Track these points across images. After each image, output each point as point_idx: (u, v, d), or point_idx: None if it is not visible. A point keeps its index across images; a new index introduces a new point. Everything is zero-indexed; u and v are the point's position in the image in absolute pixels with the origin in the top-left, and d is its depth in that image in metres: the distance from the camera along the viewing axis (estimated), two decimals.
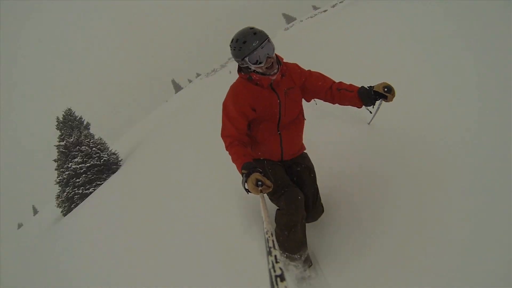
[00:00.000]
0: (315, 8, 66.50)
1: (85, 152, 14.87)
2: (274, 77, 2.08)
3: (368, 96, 2.17)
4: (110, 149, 16.40)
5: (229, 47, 2.04)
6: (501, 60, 2.95)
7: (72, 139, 15.31)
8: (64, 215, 13.82)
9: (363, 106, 2.28)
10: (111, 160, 15.40)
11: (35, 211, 54.30)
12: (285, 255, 2.19)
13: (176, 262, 2.83)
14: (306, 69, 2.41)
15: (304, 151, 2.63)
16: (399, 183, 2.38)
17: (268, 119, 2.25)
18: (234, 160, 2.07)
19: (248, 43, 1.92)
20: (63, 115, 17.45)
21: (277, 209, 2.21)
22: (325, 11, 41.60)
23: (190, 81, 76.12)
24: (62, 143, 15.29)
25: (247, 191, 1.93)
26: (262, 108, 2.18)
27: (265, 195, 2.03)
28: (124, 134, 38.69)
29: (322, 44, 7.35)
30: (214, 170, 3.84)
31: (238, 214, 2.92)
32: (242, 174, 1.95)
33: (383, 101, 2.23)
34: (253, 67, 2.01)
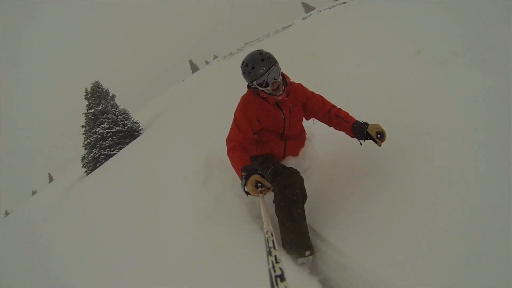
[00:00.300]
0: None
1: (111, 119, 16.90)
2: (279, 98, 2.24)
3: (360, 134, 2.26)
4: (132, 119, 18.31)
5: (240, 68, 2.21)
6: (503, 61, 2.95)
7: (100, 108, 17.28)
8: (87, 174, 15.83)
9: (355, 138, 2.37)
10: (133, 128, 17.37)
11: (51, 179, 56.39)
12: (294, 256, 2.15)
13: (175, 261, 2.73)
14: (310, 90, 2.58)
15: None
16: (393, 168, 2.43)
17: (272, 131, 2.43)
18: (233, 164, 2.14)
19: (256, 69, 2.09)
20: (92, 87, 19.28)
21: (276, 203, 2.22)
22: (344, 3, 41.72)
23: (207, 62, 76.59)
24: (91, 111, 17.28)
25: (247, 193, 1.95)
26: (267, 121, 2.34)
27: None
28: (144, 107, 39.36)
29: (332, 36, 7.53)
30: (215, 164, 3.68)
31: (238, 213, 2.86)
32: (242, 176, 1.98)
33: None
34: (260, 88, 2.18)
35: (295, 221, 2.12)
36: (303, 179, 2.26)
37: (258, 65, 2.09)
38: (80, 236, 5.20)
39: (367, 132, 2.23)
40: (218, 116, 6.27)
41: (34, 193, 52.46)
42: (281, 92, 2.21)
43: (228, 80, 10.69)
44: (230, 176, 3.16)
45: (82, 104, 18.54)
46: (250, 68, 2.12)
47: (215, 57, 76.87)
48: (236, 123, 2.32)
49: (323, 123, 2.60)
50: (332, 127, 2.52)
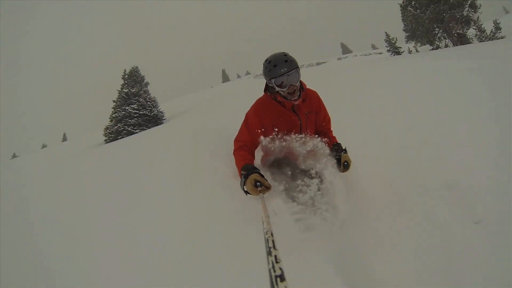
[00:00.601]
0: (373, 47, 69.28)
1: (141, 103, 18.66)
2: (296, 103, 2.26)
3: (335, 155, 2.44)
4: (159, 107, 20.05)
5: (262, 65, 2.24)
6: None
7: (134, 90, 19.16)
8: (106, 142, 17.30)
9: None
10: (158, 116, 19.10)
11: (64, 139, 57.13)
12: None
13: (174, 261, 2.66)
14: (324, 105, 2.63)
15: None
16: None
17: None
18: (236, 162, 2.18)
19: (277, 68, 2.11)
20: (131, 70, 21.22)
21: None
22: (380, 53, 43.35)
23: (239, 76, 79.42)
24: (125, 90, 19.14)
25: (246, 192, 1.95)
26: (282, 126, 2.33)
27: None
28: (171, 100, 40.19)
29: (360, 83, 7.32)
30: (219, 166, 3.58)
31: (238, 213, 2.84)
32: (241, 175, 2.00)
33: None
34: (277, 88, 2.19)
35: None
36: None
37: (280, 65, 2.13)
38: (69, 195, 5.19)
39: (339, 157, 2.41)
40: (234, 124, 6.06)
41: (44, 146, 54.13)
42: (296, 97, 2.24)
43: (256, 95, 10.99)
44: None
45: (115, 83, 20.37)
46: (273, 65, 2.15)
47: (247, 73, 79.43)
48: (246, 125, 2.34)
49: None
50: None
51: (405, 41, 19.65)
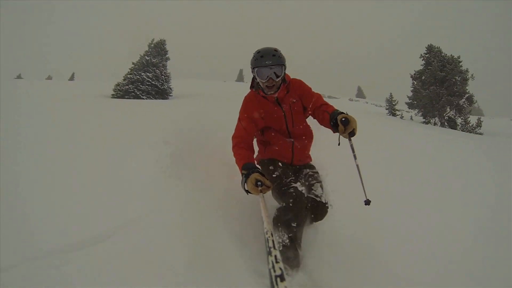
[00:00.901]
0: (387, 100, 70.06)
1: (156, 74, 20.10)
2: (276, 95, 2.33)
3: (331, 121, 2.12)
4: (170, 83, 21.46)
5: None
6: None
7: (155, 60, 20.61)
8: (113, 97, 18.29)
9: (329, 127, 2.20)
10: (167, 91, 20.55)
11: (72, 78, 57.58)
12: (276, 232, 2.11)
13: (172, 262, 2.41)
14: (309, 86, 2.54)
15: (311, 162, 2.72)
16: None
17: (277, 129, 2.47)
18: (237, 161, 2.17)
19: (263, 59, 2.18)
20: (158, 41, 22.63)
21: (277, 208, 2.19)
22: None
23: None
24: (147, 58, 20.58)
25: (247, 191, 1.94)
26: (269, 118, 2.41)
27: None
28: (183, 79, 40.57)
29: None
30: (218, 168, 3.60)
31: (238, 213, 2.84)
32: (242, 174, 1.99)
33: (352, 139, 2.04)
34: (257, 79, 2.28)
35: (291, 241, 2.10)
36: (305, 203, 2.19)
37: (266, 57, 2.17)
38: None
39: (336, 118, 2.07)
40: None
41: (49, 77, 54.23)
42: (272, 92, 2.29)
43: None
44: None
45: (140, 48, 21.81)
46: (259, 56, 2.20)
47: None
48: (240, 121, 2.37)
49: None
50: (317, 120, 2.42)
51: (407, 106, 21.38)
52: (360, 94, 73.74)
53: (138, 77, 19.55)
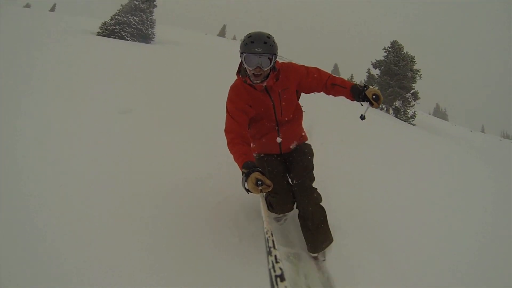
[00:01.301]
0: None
1: (143, 19, 21.19)
2: (264, 84, 2.24)
3: (359, 95, 2.31)
4: (154, 29, 22.51)
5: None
6: None
7: (143, 6, 21.56)
8: (98, 34, 19.27)
9: (355, 101, 2.39)
10: (150, 36, 21.74)
11: (53, 9, 55.24)
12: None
13: (172, 262, 2.47)
14: (301, 66, 2.49)
15: (305, 141, 2.75)
16: None
17: (265, 118, 2.42)
18: (235, 159, 2.09)
19: (253, 45, 2.04)
20: None
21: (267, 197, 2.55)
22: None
23: (234, 38, 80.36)
24: (137, 3, 21.52)
25: (247, 190, 1.90)
26: (258, 107, 2.35)
27: None
28: (166, 25, 39.61)
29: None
30: (213, 166, 3.55)
31: (238, 213, 2.86)
32: (242, 173, 1.94)
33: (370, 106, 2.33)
34: (244, 65, 2.14)
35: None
36: (291, 208, 2.49)
37: (257, 43, 2.04)
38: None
39: (364, 93, 2.27)
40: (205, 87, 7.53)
41: (27, 5, 51.75)
42: (258, 81, 2.19)
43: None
44: None
45: None
46: (250, 41, 2.06)
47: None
48: (229, 114, 2.25)
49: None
50: (331, 95, 2.50)
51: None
52: (335, 71, 75.57)
53: (125, 19, 20.49)
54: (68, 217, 2.50)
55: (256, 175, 1.85)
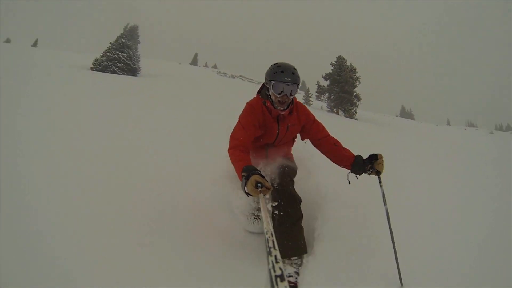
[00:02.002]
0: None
1: (130, 55, 25.60)
2: (283, 113, 2.41)
3: (360, 168, 2.40)
4: (139, 63, 26.86)
5: (269, 66, 2.39)
6: None
7: (129, 43, 26.02)
8: (91, 70, 23.19)
9: (349, 172, 2.48)
10: (136, 69, 26.08)
11: (35, 44, 55.86)
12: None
13: (172, 262, 2.52)
14: (312, 114, 2.67)
15: (291, 158, 2.87)
16: None
17: (263, 140, 2.57)
18: (233, 162, 2.14)
19: (283, 74, 2.25)
20: (132, 26, 27.98)
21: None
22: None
23: (206, 66, 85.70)
24: (123, 40, 25.93)
25: (247, 194, 1.91)
26: (264, 130, 2.49)
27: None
28: (144, 58, 40.34)
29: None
30: (212, 167, 3.50)
31: (238, 213, 2.84)
32: (242, 177, 1.96)
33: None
34: (271, 91, 2.32)
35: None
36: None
37: (287, 73, 2.25)
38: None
39: (367, 163, 2.37)
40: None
41: (7, 40, 53.09)
42: (283, 108, 2.37)
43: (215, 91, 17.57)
44: None
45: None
46: (280, 70, 2.27)
47: (215, 66, 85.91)
48: (242, 125, 2.37)
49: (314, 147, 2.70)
50: (322, 151, 2.63)
51: (316, 95, 29.72)
52: None
53: (115, 56, 24.78)
54: (72, 218, 2.70)
55: (255, 177, 1.84)
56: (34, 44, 55.59)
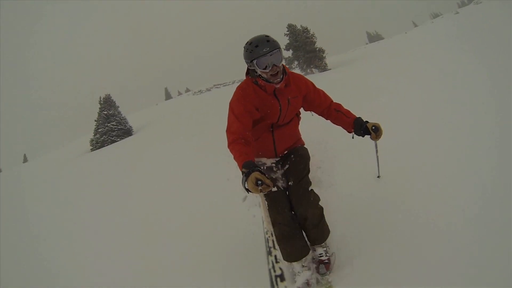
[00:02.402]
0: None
1: (118, 120, 27.45)
2: (278, 86, 2.22)
3: (360, 128, 2.45)
4: (129, 123, 28.63)
5: (243, 48, 2.19)
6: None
7: (111, 112, 27.91)
8: (92, 150, 24.91)
9: (352, 133, 2.53)
10: (129, 129, 27.76)
11: (25, 160, 55.64)
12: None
13: (173, 262, 2.71)
14: (310, 81, 2.57)
15: (302, 145, 2.73)
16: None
17: (267, 119, 2.39)
18: (235, 158, 2.08)
19: (259, 48, 2.08)
20: (105, 96, 29.60)
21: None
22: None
23: (180, 93, 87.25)
24: (105, 112, 27.79)
25: (247, 190, 1.91)
26: (264, 110, 2.32)
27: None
28: (128, 115, 40.24)
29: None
30: (210, 169, 3.87)
31: (238, 213, 2.85)
32: (242, 173, 1.94)
33: (377, 144, 2.60)
34: (259, 71, 2.16)
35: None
36: (284, 202, 2.32)
37: (262, 45, 2.08)
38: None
39: (366, 126, 2.42)
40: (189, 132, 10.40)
41: None
42: (278, 80, 2.21)
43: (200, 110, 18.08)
44: None
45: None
46: (254, 46, 2.10)
47: (187, 90, 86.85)
48: (234, 114, 2.23)
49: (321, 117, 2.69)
50: (329, 121, 2.64)
51: (288, 66, 31.31)
52: None
53: (107, 128, 26.71)
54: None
55: (256, 174, 1.83)
56: (24, 160, 55.23)
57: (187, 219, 3.40)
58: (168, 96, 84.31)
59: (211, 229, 3.00)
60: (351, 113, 2.57)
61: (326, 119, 2.66)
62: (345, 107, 2.64)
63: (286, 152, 2.62)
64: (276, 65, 2.15)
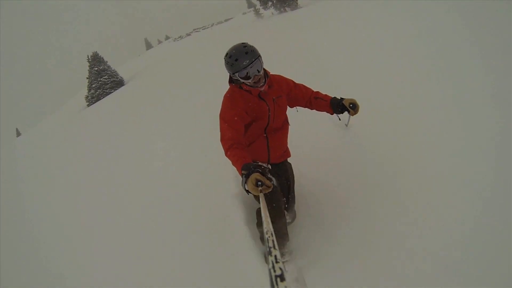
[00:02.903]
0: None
1: (110, 74, 29.35)
2: (262, 89, 2.27)
3: (337, 107, 2.54)
4: (119, 75, 30.42)
5: (223, 59, 2.21)
6: (503, 62, 3.15)
7: (101, 67, 29.71)
8: (88, 106, 26.82)
9: (334, 114, 2.63)
10: (121, 81, 29.69)
11: (18, 133, 52.62)
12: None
13: (172, 262, 2.66)
14: (290, 79, 2.65)
15: (289, 157, 2.79)
16: (374, 184, 2.62)
17: (257, 122, 2.40)
18: (234, 163, 2.09)
19: (239, 61, 2.11)
20: (92, 54, 30.84)
21: (256, 210, 2.47)
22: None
23: (159, 41, 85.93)
24: (96, 69, 29.55)
25: (247, 191, 1.93)
26: (253, 113, 2.35)
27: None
28: (119, 66, 42.18)
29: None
30: (208, 166, 3.72)
31: (237, 213, 2.88)
32: (242, 175, 1.96)
33: (351, 114, 2.55)
34: (241, 80, 2.21)
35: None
36: (280, 200, 2.39)
37: (242, 58, 2.11)
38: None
39: (342, 104, 2.50)
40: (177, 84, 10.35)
41: None
42: (262, 84, 2.25)
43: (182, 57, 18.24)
44: None
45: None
46: (234, 60, 2.13)
47: (167, 37, 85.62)
48: (226, 122, 2.24)
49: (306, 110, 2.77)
50: (314, 110, 2.72)
51: (262, 8, 32.91)
52: (250, 5, 79.59)
53: (100, 82, 28.67)
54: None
55: (256, 176, 1.83)
56: (18, 134, 51.50)
57: (183, 219, 3.27)
58: (148, 46, 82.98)
59: (210, 229, 2.95)
60: (328, 96, 2.65)
61: (311, 109, 2.74)
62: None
63: (278, 160, 2.67)
64: (257, 74, 2.17)
